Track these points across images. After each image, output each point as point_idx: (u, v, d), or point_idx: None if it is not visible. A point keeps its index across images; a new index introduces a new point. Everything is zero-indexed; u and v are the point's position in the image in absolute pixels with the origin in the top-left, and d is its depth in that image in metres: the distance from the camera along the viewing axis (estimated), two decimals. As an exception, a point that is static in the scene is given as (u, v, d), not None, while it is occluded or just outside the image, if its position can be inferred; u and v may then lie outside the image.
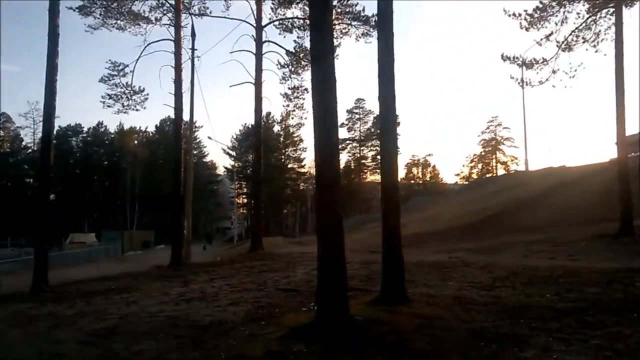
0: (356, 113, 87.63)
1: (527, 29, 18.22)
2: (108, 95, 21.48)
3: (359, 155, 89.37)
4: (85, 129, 78.32)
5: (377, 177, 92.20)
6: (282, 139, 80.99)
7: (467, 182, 77.63)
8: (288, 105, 26.26)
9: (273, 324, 6.67)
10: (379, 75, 7.41)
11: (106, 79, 21.16)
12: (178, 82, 19.67)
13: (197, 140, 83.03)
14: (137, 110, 21.82)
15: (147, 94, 21.95)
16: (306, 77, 29.64)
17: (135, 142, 78.94)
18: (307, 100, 31.52)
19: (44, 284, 11.47)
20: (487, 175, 76.97)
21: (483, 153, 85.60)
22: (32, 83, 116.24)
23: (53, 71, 12.39)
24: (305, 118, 27.02)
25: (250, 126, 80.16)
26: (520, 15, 18.20)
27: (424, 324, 5.80)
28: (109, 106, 21.47)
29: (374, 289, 8.63)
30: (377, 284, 9.29)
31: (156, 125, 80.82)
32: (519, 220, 21.45)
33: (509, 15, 18.39)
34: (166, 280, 12.84)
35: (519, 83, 20.25)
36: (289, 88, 25.72)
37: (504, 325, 5.99)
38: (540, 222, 20.56)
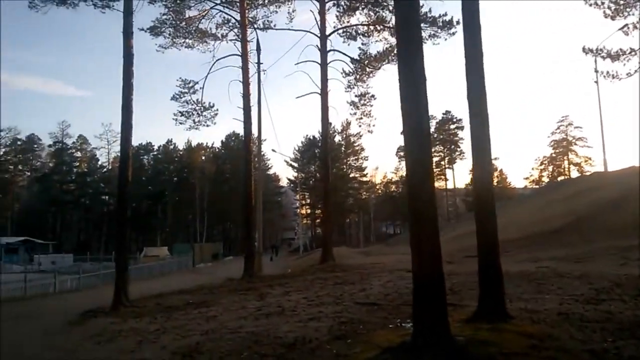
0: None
1: (612, 18, 16.92)
2: (180, 112, 21.97)
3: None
4: (155, 147, 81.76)
5: (440, 184, 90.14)
6: (343, 148, 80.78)
7: (537, 186, 74.05)
8: (355, 113, 25.84)
9: (360, 343, 6.27)
10: (467, 72, 6.90)
11: (177, 96, 21.67)
12: (246, 96, 19.83)
13: (262, 153, 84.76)
14: (207, 126, 22.22)
15: (217, 110, 22.39)
16: (372, 84, 28.99)
17: (203, 157, 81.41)
18: (375, 107, 31.18)
19: (125, 298, 11.68)
20: (561, 178, 72.96)
21: (554, 155, 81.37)
22: (105, 106, 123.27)
23: (129, 90, 12.69)
24: (374, 125, 26.47)
25: (312, 137, 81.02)
26: (603, 4, 16.94)
27: (535, 345, 5.17)
28: (181, 123, 22.05)
29: (464, 303, 8.03)
30: (465, 298, 8.69)
31: (222, 141, 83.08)
32: (606, 225, 19.80)
33: (590, 5, 17.17)
34: (242, 293, 12.72)
35: (597, 78, 18.84)
36: (355, 95, 25.37)
37: (628, 346, 5.25)
38: (631, 226, 18.87)
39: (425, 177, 5.42)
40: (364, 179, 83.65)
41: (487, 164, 6.87)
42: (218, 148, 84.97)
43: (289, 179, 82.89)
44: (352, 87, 24.76)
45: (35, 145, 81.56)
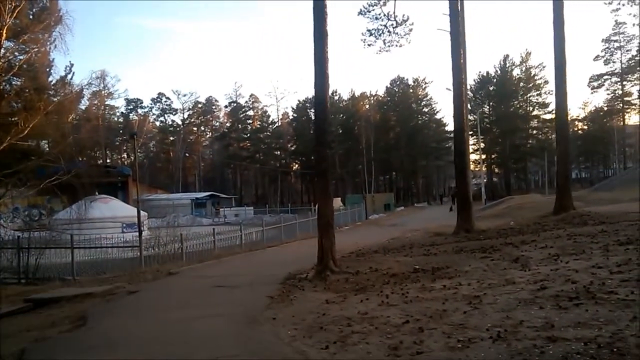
0: (614, 41, 72.31)
1: None
2: (368, 31, 18.27)
3: (620, 92, 74.07)
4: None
5: (644, 118, 75.42)
6: (522, 83, 71.55)
7: None
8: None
9: None
10: None
11: (365, 10, 17.89)
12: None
13: (428, 97, 79.30)
14: (400, 46, 18.14)
15: (412, 24, 18.23)
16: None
17: (367, 106, 79.28)
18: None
19: (332, 262, 8.94)
20: None
21: None
22: (272, 64, 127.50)
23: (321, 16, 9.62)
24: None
25: (486, 74, 72.81)
26: None
27: None
28: (369, 45, 18.32)
29: None
30: None
31: (387, 87, 79.78)
32: None
33: None
34: (484, 256, 9.23)
35: None
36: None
37: None
38: None
39: None
40: (548, 116, 73.25)
41: None
42: (381, 96, 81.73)
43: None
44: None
45: (214, 107, 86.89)
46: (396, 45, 17.83)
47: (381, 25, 17.51)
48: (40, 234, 21.18)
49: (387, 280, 7.74)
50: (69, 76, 24.13)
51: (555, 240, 10.07)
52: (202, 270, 11.59)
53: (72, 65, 28.97)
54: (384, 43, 17.83)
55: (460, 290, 6.55)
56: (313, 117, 10.84)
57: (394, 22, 17.41)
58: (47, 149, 18.36)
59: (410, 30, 17.61)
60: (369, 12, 17.50)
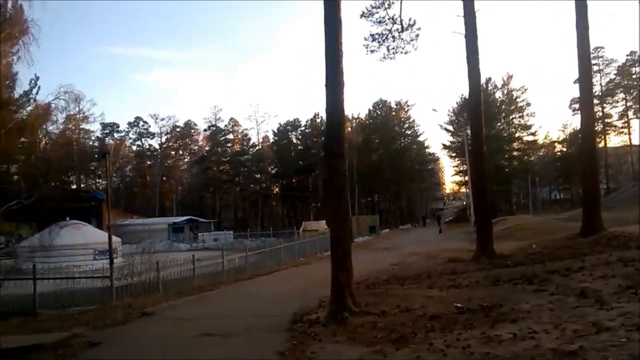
0: (594, 64, 73.04)
1: None
2: (371, 35, 16.73)
3: (601, 114, 74.57)
4: (302, 123, 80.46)
5: (623, 140, 76.12)
6: (504, 106, 71.65)
7: None
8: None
9: None
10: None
11: (368, 12, 16.35)
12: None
13: (410, 119, 79.00)
14: (405, 53, 16.63)
15: (419, 29, 16.81)
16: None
17: (349, 129, 78.34)
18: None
19: (350, 300, 7.15)
20: None
21: None
22: (251, 89, 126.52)
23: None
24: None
25: (468, 96, 72.52)
26: None
27: None
28: (372, 51, 16.91)
29: None
30: None
31: (369, 110, 79.65)
32: None
33: None
34: (534, 289, 7.54)
35: None
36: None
37: None
38: None
39: None
40: (530, 138, 73.26)
41: None
42: (362, 119, 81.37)
43: (443, 145, 75.92)
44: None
45: (192, 131, 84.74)
46: (401, 52, 16.29)
47: (386, 29, 16.02)
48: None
49: (429, 326, 5.95)
50: (34, 90, 22.13)
51: (610, 266, 8.48)
52: (184, 309, 9.61)
53: (37, 78, 26.68)
54: (388, 50, 16.28)
55: (542, 342, 4.83)
56: (325, 123, 9.01)
57: (400, 27, 15.92)
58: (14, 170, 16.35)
59: (417, 35, 16.12)
60: (372, 15, 15.96)
